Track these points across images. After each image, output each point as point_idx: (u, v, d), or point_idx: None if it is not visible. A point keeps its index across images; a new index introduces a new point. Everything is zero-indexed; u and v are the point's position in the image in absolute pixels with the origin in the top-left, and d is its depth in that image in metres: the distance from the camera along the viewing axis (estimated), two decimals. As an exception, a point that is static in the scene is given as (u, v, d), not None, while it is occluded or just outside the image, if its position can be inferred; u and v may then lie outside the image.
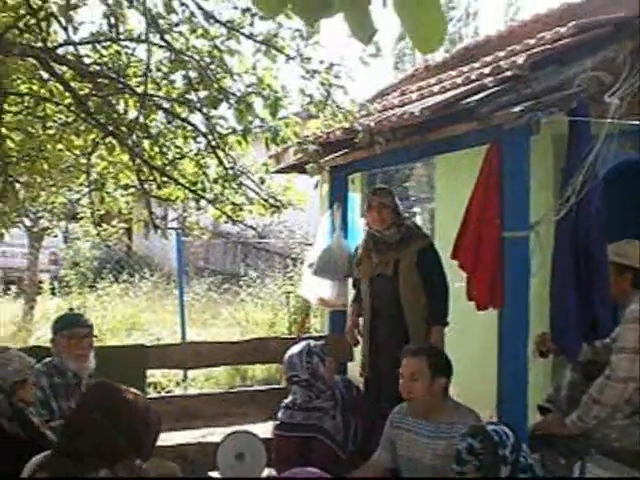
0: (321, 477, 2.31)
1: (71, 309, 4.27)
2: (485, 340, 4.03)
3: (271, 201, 5.38)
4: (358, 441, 4.57)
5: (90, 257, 15.24)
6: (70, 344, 4.17)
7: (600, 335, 4.09)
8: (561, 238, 3.64)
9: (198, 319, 12.84)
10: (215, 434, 5.27)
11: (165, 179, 4.97)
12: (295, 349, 4.63)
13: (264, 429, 5.37)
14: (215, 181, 5.12)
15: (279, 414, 4.69)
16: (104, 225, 8.55)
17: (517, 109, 3.48)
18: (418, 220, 9.47)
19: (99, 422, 2.51)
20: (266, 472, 4.85)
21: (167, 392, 8.19)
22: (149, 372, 5.74)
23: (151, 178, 5.01)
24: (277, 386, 6.26)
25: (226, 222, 5.57)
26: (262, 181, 5.22)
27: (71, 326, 4.23)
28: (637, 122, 3.46)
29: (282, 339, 6.27)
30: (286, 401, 4.69)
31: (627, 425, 3.93)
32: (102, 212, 6.34)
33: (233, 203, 5.43)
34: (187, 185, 5.13)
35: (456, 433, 3.53)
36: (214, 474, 4.84)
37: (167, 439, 5.17)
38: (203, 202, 5.39)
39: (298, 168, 6.02)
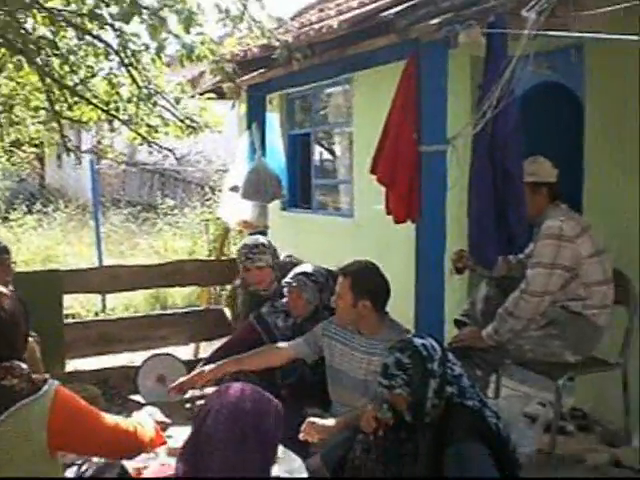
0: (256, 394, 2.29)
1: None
2: (407, 256, 4.07)
3: (187, 122, 5.28)
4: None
5: (2, 188, 14.79)
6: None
7: (515, 250, 4.19)
8: (478, 154, 3.67)
9: (115, 250, 12.69)
10: (135, 358, 5.23)
11: (77, 99, 4.81)
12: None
13: (184, 352, 5.38)
14: (129, 101, 4.98)
15: (265, 308, 4.52)
16: (14, 150, 8.27)
17: (435, 21, 3.46)
18: (337, 144, 9.51)
19: None
20: (190, 393, 4.85)
21: (86, 321, 8.09)
22: (67, 303, 5.65)
23: (62, 99, 4.84)
24: (197, 308, 6.23)
25: (141, 144, 5.46)
26: (177, 101, 5.11)
27: None
28: (554, 34, 3.46)
29: (200, 261, 6.22)
30: (277, 304, 4.52)
31: (540, 337, 4.06)
32: (12, 137, 6.12)
33: (148, 125, 5.31)
34: (100, 105, 4.97)
35: None
36: (136, 397, 4.82)
37: (87, 364, 5.16)
38: (117, 123, 5.25)
39: (216, 92, 5.90)
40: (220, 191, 12.01)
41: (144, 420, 2.75)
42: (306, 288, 4.21)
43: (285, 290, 4.32)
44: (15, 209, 14.34)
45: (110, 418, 2.53)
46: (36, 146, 9.12)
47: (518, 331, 4.02)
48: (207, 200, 12.89)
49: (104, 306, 9.45)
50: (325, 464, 3.39)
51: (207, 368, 4.04)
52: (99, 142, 7.81)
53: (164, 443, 2.91)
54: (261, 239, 4.76)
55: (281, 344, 4.13)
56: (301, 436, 3.48)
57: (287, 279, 4.27)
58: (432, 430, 2.91)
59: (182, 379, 4.06)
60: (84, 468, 2.87)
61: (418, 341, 2.97)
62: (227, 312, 5.34)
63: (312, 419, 3.53)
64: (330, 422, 3.53)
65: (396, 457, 3.11)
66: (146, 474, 3.05)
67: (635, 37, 3.37)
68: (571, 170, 4.61)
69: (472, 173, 3.73)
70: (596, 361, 4.24)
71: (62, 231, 13.97)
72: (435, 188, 3.56)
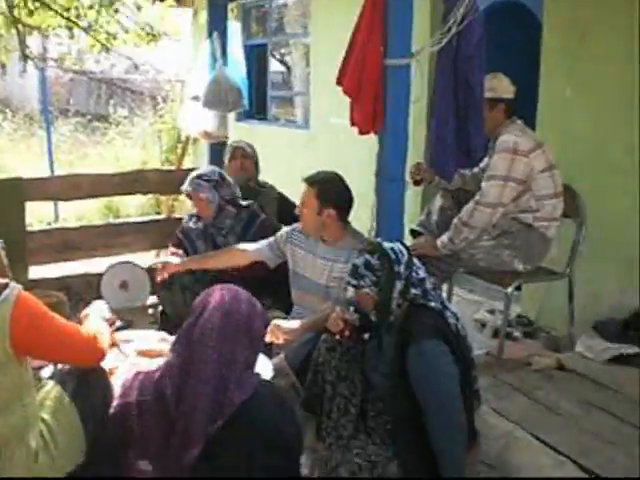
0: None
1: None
2: (363, 167, 4.17)
3: (147, 29, 5.24)
4: None
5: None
6: None
7: (472, 163, 4.31)
8: (441, 68, 3.72)
9: (65, 160, 12.49)
10: (97, 266, 5.29)
11: (37, 5, 4.72)
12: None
13: (146, 259, 5.44)
14: (90, 7, 4.90)
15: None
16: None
17: None
18: (294, 56, 9.45)
19: None
20: (150, 299, 4.97)
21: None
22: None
23: (22, 4, 4.75)
24: (158, 217, 6.28)
25: (99, 52, 5.40)
26: (138, 8, 5.05)
27: None
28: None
29: (161, 171, 6.22)
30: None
31: (492, 246, 4.22)
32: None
33: (108, 32, 5.26)
34: (60, 12, 4.89)
35: (352, 258, 3.72)
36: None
37: (49, 272, 5.21)
38: (76, 31, 5.19)
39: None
40: (173, 101, 11.92)
41: (101, 327, 2.76)
42: (202, 189, 4.43)
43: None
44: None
45: (71, 325, 2.55)
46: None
47: (471, 241, 4.17)
48: (159, 110, 12.74)
49: (57, 216, 9.43)
50: (289, 363, 3.57)
51: (173, 260, 4.24)
52: (21, 42, 7.49)
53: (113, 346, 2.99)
54: None
55: (244, 245, 4.25)
56: (267, 338, 3.64)
57: (183, 187, 4.50)
58: (396, 330, 3.05)
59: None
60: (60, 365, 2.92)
61: (387, 245, 3.09)
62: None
63: (277, 321, 3.68)
64: (295, 324, 3.69)
65: (360, 355, 3.27)
66: (118, 374, 3.15)
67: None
68: (527, 89, 4.72)
69: (435, 86, 3.79)
70: (544, 271, 4.42)
71: (11, 141, 13.69)
72: (398, 101, 3.62)
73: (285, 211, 4.84)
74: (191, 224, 4.72)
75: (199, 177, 4.49)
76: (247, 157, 4.89)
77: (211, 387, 2.29)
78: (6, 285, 2.34)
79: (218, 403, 2.28)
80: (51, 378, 2.64)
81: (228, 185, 4.54)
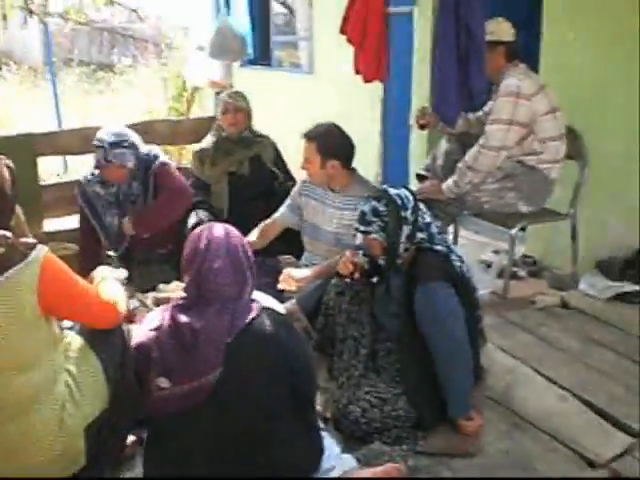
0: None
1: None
2: (371, 113, 4.22)
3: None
4: None
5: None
6: None
7: (475, 107, 4.36)
8: (443, 15, 3.76)
9: (71, 111, 12.49)
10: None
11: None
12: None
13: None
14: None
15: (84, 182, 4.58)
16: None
17: None
18: (295, 2, 9.37)
19: None
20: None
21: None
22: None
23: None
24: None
25: (105, 5, 5.41)
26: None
27: None
28: None
29: (170, 121, 6.24)
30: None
31: (497, 189, 4.30)
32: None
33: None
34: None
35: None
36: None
37: (63, 224, 5.28)
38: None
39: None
40: (176, 49, 11.85)
41: (119, 293, 2.80)
42: (127, 157, 4.30)
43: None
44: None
45: (92, 289, 2.63)
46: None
47: (476, 184, 4.25)
48: (162, 59, 12.68)
49: (66, 168, 9.50)
50: (301, 308, 3.69)
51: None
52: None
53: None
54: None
55: (269, 220, 4.25)
56: (279, 286, 3.75)
57: (100, 156, 4.27)
58: (403, 273, 3.16)
59: None
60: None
61: (393, 191, 3.15)
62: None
63: (289, 269, 3.80)
64: (306, 272, 3.80)
65: (369, 298, 3.38)
66: (138, 318, 3.25)
67: None
68: (530, 32, 4.74)
69: (437, 32, 3.84)
70: (548, 212, 4.51)
71: (17, 93, 13.67)
72: (402, 49, 3.68)
73: (282, 160, 4.95)
74: (98, 189, 4.50)
75: (117, 144, 4.27)
76: (240, 110, 4.81)
77: (226, 319, 2.47)
78: (34, 246, 2.40)
79: (231, 327, 2.47)
80: (71, 329, 2.71)
81: (138, 144, 4.40)
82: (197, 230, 2.65)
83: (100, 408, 2.55)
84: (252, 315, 2.49)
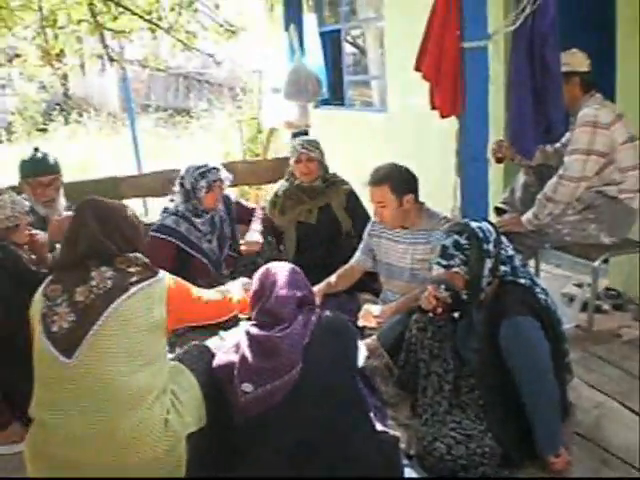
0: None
1: (36, 149, 4.17)
2: (441, 147, 4.23)
3: (226, 26, 5.39)
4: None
5: (38, 100, 14.85)
6: (36, 192, 4.15)
7: (553, 139, 4.32)
8: (518, 47, 3.75)
9: (149, 155, 12.83)
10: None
11: (120, 10, 4.92)
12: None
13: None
14: (171, 9, 5.08)
15: (162, 217, 4.63)
16: (54, 63, 8.35)
17: None
18: (368, 39, 9.49)
19: (92, 229, 2.75)
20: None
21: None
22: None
23: (105, 9, 4.96)
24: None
25: (182, 51, 5.59)
26: (217, 6, 5.21)
27: (34, 174, 4.18)
28: None
29: (248, 162, 6.38)
30: (170, 206, 4.65)
31: (578, 220, 4.24)
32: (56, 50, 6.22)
33: (187, 31, 5.44)
34: (142, 15, 5.09)
35: (433, 238, 3.81)
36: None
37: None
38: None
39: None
40: (251, 91, 12.09)
41: (232, 287, 3.41)
42: (227, 178, 4.63)
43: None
44: (53, 120, 14.40)
45: (205, 294, 3.08)
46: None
47: (556, 216, 4.20)
48: (238, 101, 12.93)
49: (146, 209, 9.73)
50: (382, 344, 3.69)
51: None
52: (105, 46, 7.60)
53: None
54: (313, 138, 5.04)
55: (347, 265, 4.32)
56: (359, 323, 3.77)
57: (213, 179, 4.53)
58: (486, 308, 3.14)
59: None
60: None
61: (474, 224, 3.16)
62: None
63: (367, 306, 3.81)
64: (384, 307, 3.80)
65: (451, 333, 3.37)
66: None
67: None
68: (605, 63, 4.69)
69: (512, 66, 3.83)
70: (631, 242, 4.40)
71: (99, 139, 14.09)
72: (478, 83, 3.66)
73: (358, 203, 4.94)
74: (194, 220, 4.59)
75: (218, 169, 4.58)
76: (312, 160, 4.84)
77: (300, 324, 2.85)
78: (156, 271, 2.78)
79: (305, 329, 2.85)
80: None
81: (197, 205, 4.60)
82: (263, 269, 3.07)
83: (199, 425, 2.78)
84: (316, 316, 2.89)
